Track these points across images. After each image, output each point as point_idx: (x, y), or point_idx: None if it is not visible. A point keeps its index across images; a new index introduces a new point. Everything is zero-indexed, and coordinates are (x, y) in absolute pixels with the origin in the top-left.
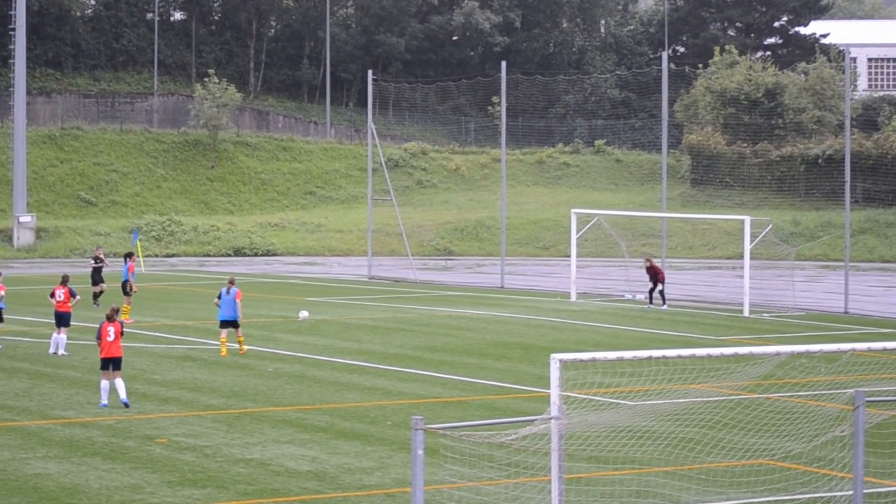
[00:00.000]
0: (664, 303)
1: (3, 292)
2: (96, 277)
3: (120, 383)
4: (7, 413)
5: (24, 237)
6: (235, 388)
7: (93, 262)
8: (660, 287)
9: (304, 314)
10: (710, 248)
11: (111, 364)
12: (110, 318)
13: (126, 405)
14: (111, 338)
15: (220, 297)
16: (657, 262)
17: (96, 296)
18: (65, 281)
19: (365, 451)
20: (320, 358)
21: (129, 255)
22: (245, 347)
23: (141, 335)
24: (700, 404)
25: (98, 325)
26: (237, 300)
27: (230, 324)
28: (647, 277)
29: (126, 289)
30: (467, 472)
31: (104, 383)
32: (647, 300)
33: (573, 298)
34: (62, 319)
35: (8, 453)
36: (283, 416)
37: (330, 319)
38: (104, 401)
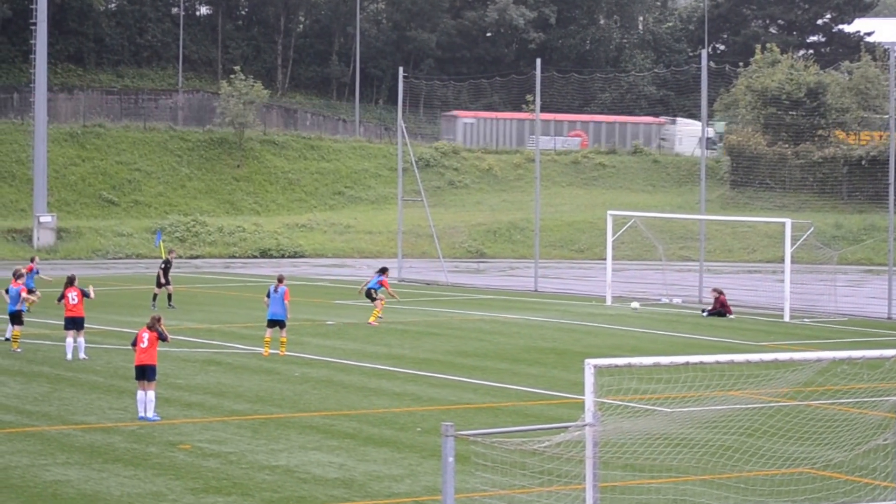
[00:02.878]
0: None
1: (24, 294)
2: (165, 278)
3: (150, 396)
4: (26, 418)
5: (44, 238)
6: (261, 392)
7: (163, 263)
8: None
9: (635, 305)
10: (750, 251)
11: (144, 372)
12: (150, 326)
13: (146, 419)
14: (144, 345)
15: (268, 296)
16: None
17: (170, 297)
18: (72, 281)
19: (394, 458)
20: (348, 362)
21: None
22: (285, 351)
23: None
24: (739, 411)
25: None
26: (286, 299)
27: (277, 323)
28: (683, 281)
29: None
30: (499, 480)
31: (139, 394)
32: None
33: (609, 302)
34: (76, 323)
35: (27, 459)
36: (309, 422)
37: (358, 323)
38: (141, 413)
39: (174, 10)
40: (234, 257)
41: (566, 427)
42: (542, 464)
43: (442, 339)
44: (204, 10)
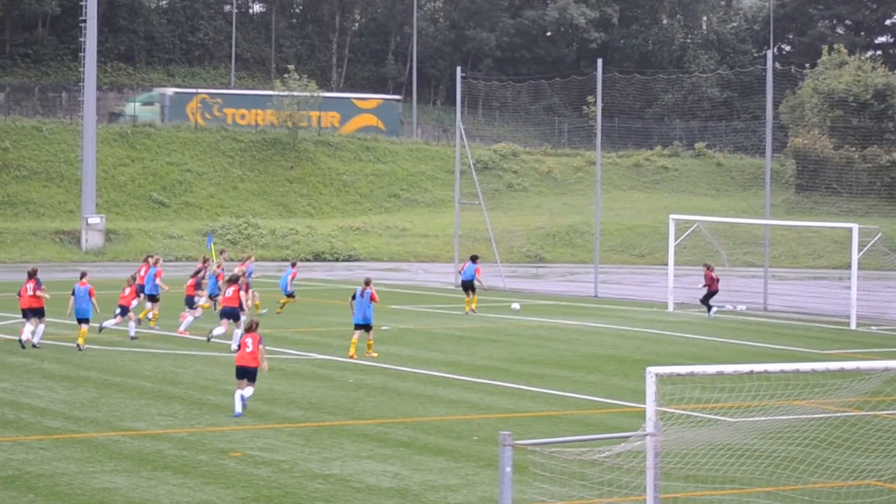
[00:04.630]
0: (710, 311)
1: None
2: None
3: (248, 391)
4: (73, 424)
5: (92, 239)
6: (314, 399)
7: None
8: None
9: (515, 306)
10: (816, 257)
11: (245, 373)
12: (249, 329)
13: (237, 415)
14: (249, 349)
15: (353, 299)
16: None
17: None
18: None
19: (450, 467)
20: (403, 369)
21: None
22: (371, 352)
23: (214, 343)
24: (804, 421)
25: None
26: (372, 300)
27: (363, 326)
28: (747, 287)
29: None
30: (558, 491)
31: (237, 392)
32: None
33: (670, 309)
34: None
35: (74, 466)
36: (363, 430)
37: (414, 329)
38: (237, 410)
39: (227, 7)
40: (286, 260)
41: (627, 437)
42: (602, 474)
43: (499, 346)
44: (257, 7)
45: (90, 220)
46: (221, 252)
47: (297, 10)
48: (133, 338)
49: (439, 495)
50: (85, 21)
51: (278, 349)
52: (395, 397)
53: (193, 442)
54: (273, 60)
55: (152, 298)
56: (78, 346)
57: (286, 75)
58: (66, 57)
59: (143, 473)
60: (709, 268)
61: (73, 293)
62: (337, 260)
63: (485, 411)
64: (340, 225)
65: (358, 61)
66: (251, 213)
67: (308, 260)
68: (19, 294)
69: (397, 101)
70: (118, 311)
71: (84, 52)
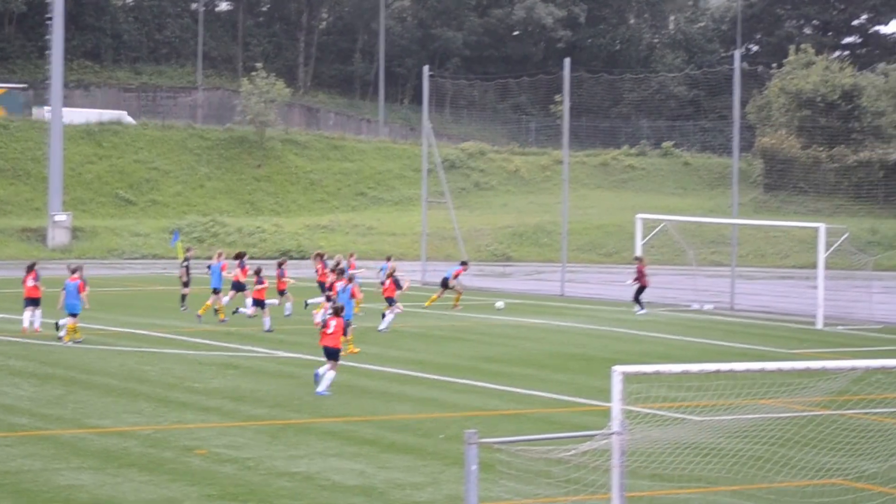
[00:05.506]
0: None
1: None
2: (188, 277)
3: (328, 374)
4: (40, 421)
5: (58, 237)
6: (280, 397)
7: (185, 262)
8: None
9: (500, 304)
10: (783, 256)
11: (328, 353)
12: (336, 313)
13: (321, 394)
14: (331, 330)
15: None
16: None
17: (184, 298)
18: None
19: (416, 465)
20: (370, 367)
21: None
22: (354, 348)
23: (180, 341)
24: (770, 421)
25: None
26: (352, 298)
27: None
28: (714, 286)
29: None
30: (523, 489)
31: (320, 369)
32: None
33: (637, 308)
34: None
35: (40, 463)
36: (329, 428)
37: (381, 327)
38: (318, 389)
39: (193, 5)
40: (253, 259)
41: (593, 435)
42: (568, 473)
43: (466, 344)
44: (224, 5)
45: (56, 218)
46: (188, 249)
47: (265, 9)
48: (269, 330)
49: (405, 493)
50: (51, 19)
51: (245, 347)
52: (361, 395)
53: (159, 439)
54: (240, 59)
55: (216, 291)
56: (61, 337)
57: (253, 73)
58: (33, 55)
59: (109, 470)
60: (640, 261)
61: (64, 288)
62: (304, 258)
63: (451, 409)
64: (307, 223)
65: (325, 59)
66: (218, 211)
67: (275, 258)
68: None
69: (21, 89)
70: (251, 302)
71: (50, 49)
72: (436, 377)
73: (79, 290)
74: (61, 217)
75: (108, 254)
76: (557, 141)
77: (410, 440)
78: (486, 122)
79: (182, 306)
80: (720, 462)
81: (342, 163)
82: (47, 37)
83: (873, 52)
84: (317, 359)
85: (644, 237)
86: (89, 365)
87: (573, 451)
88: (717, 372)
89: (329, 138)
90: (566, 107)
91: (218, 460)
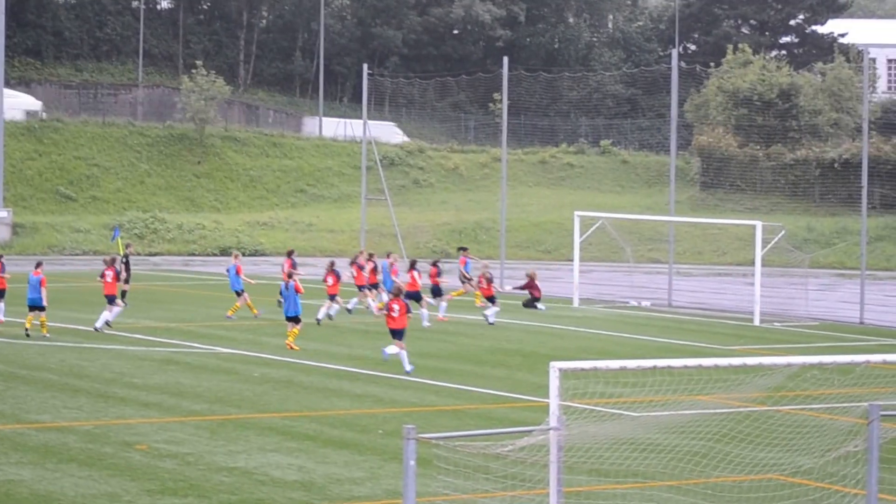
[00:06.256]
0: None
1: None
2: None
3: (403, 355)
4: None
5: None
6: (220, 393)
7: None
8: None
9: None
10: (720, 254)
11: (396, 334)
12: (397, 294)
13: (409, 370)
14: (396, 314)
15: (281, 294)
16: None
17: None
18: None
19: (355, 460)
20: (309, 363)
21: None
22: (294, 345)
23: (121, 337)
24: (707, 416)
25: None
26: (297, 293)
27: (291, 319)
28: (652, 283)
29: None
30: (461, 485)
31: (394, 348)
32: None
33: (575, 304)
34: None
35: None
36: (269, 424)
37: (320, 323)
38: (407, 367)
39: (134, 3)
40: (193, 255)
41: (530, 431)
42: (506, 468)
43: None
44: (165, 3)
45: None
46: (127, 246)
47: (205, 7)
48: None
49: (344, 488)
50: None
51: (185, 343)
52: (300, 391)
53: (99, 434)
54: (181, 56)
55: (239, 294)
56: (27, 332)
57: (194, 71)
58: None
59: (49, 466)
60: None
61: (29, 282)
62: (243, 255)
63: (390, 405)
64: (247, 220)
65: (265, 58)
66: (158, 207)
67: (214, 255)
68: None
69: None
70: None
71: None
72: (374, 373)
73: (41, 284)
74: (2, 213)
75: (48, 250)
76: (496, 139)
77: (349, 436)
78: (426, 121)
79: (122, 302)
80: (657, 457)
81: (282, 160)
82: None
83: (810, 51)
84: (258, 355)
85: (582, 234)
86: (29, 360)
87: (511, 447)
88: (655, 368)
89: (269, 135)
90: (505, 105)
91: (158, 455)
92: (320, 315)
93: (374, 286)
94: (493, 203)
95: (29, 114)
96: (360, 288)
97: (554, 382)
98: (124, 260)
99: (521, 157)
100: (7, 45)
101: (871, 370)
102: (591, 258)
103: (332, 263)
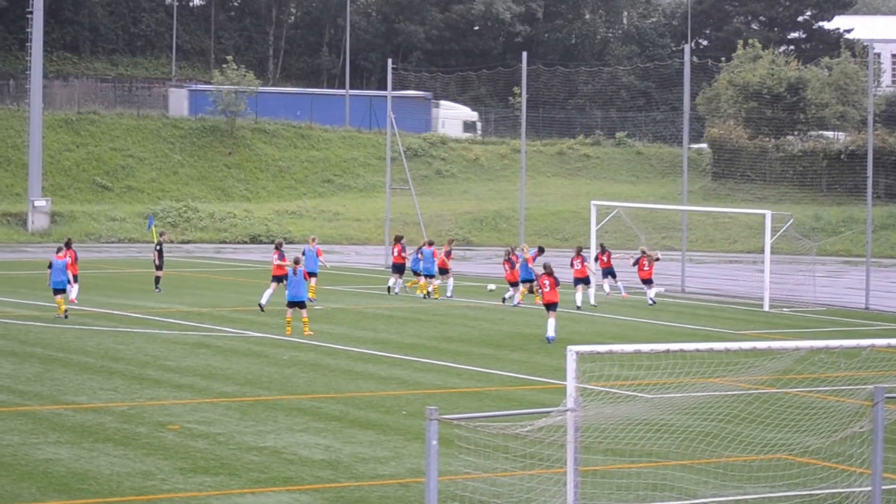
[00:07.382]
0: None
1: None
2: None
3: (551, 323)
4: (18, 398)
5: (38, 221)
6: (249, 375)
7: (157, 246)
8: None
9: (491, 286)
10: (731, 241)
11: (551, 307)
12: (548, 272)
13: (549, 341)
14: (547, 289)
15: (287, 280)
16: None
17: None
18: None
19: (379, 440)
20: (336, 347)
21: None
22: (308, 330)
23: (154, 321)
24: (718, 398)
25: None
26: (305, 279)
27: (296, 304)
28: (666, 270)
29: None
30: (482, 464)
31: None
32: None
33: (592, 290)
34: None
35: (18, 438)
36: (297, 405)
37: (346, 308)
38: (549, 334)
39: (168, 0)
40: (224, 243)
41: (548, 412)
42: (525, 448)
43: (427, 325)
44: (197, 0)
45: (36, 203)
46: (161, 234)
47: (236, 3)
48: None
49: (369, 467)
50: (31, 12)
51: (216, 327)
52: (327, 373)
53: (133, 415)
54: (212, 51)
55: (313, 275)
56: (65, 314)
57: (225, 66)
58: (14, 46)
59: (85, 445)
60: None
61: (51, 266)
62: (272, 242)
63: (413, 387)
64: (276, 209)
65: (294, 53)
66: (191, 197)
67: (245, 242)
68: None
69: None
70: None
71: (31, 42)
72: (398, 356)
73: (66, 267)
74: (41, 202)
75: (85, 237)
76: (515, 131)
77: (374, 416)
78: None
79: (156, 288)
80: (670, 438)
81: (309, 151)
82: (28, 30)
83: (817, 47)
84: (287, 339)
85: (598, 223)
86: (67, 344)
87: (530, 428)
88: (668, 351)
89: (297, 127)
90: (524, 98)
91: (190, 435)
92: (263, 301)
93: (445, 271)
94: (513, 193)
95: None
96: (513, 285)
97: (571, 365)
98: (158, 247)
99: (540, 149)
100: (45, 40)
101: (875, 354)
102: (607, 245)
103: (281, 244)
